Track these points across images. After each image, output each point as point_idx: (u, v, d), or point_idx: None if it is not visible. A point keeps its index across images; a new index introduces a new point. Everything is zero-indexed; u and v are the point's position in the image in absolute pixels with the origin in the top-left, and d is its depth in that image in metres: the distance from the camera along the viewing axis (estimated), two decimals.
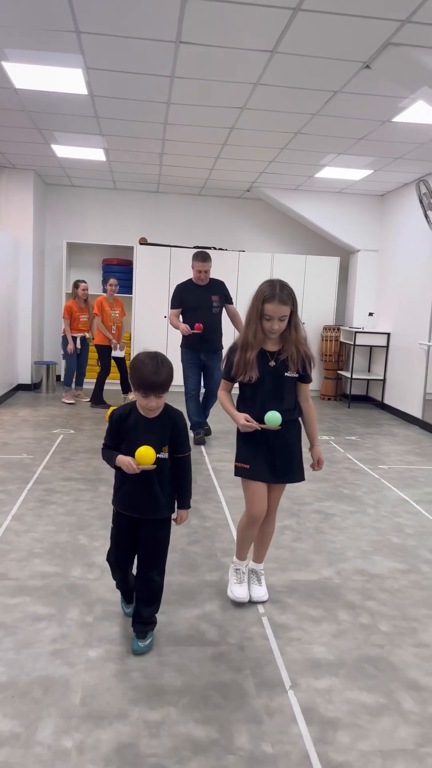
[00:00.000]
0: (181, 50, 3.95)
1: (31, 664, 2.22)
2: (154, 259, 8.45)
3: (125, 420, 2.27)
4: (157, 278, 8.38)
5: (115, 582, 2.54)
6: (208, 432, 5.76)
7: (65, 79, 4.54)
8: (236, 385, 2.67)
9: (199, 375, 5.64)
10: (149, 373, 2.13)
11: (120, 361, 7.46)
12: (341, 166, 6.86)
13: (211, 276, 5.56)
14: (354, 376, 8.37)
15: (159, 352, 2.20)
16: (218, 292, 5.56)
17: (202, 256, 5.44)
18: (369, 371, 8.77)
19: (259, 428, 2.49)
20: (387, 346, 8.14)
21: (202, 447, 5.50)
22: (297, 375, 2.59)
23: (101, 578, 2.89)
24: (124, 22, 3.60)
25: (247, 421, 2.49)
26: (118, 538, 2.39)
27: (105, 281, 7.77)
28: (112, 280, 7.34)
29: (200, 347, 5.51)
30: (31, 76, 4.51)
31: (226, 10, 3.39)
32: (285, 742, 1.89)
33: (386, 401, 8.15)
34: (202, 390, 5.77)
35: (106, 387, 7.43)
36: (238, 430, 2.61)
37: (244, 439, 2.63)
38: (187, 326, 5.37)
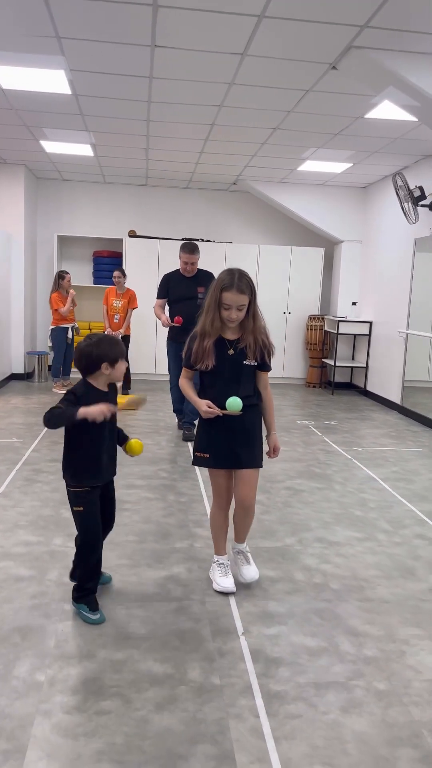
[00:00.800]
0: (157, 53, 4.17)
1: (12, 616, 2.48)
2: (143, 251, 8.67)
3: (83, 398, 2.40)
4: (147, 270, 8.61)
5: (90, 583, 2.51)
6: (193, 435, 5.49)
7: (49, 79, 4.75)
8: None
9: (180, 367, 5.76)
10: (114, 344, 2.45)
11: None
12: (322, 159, 7.08)
13: (199, 267, 5.50)
14: (338, 364, 8.62)
15: (93, 332, 2.51)
16: (205, 283, 5.25)
17: (189, 248, 5.36)
18: (353, 359, 9.01)
19: (221, 414, 2.54)
20: (369, 335, 8.39)
21: (184, 431, 5.65)
22: (256, 363, 2.64)
23: None
24: (101, 28, 3.82)
25: (209, 408, 2.55)
26: (94, 515, 2.48)
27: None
28: (115, 273, 7.53)
29: (183, 338, 5.60)
30: (17, 77, 4.72)
31: (194, 17, 3.61)
32: (232, 676, 2.15)
33: (369, 388, 8.41)
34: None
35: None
36: (200, 417, 2.67)
37: (205, 426, 2.68)
38: (168, 318, 5.41)
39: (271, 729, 1.90)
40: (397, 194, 6.73)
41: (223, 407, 2.54)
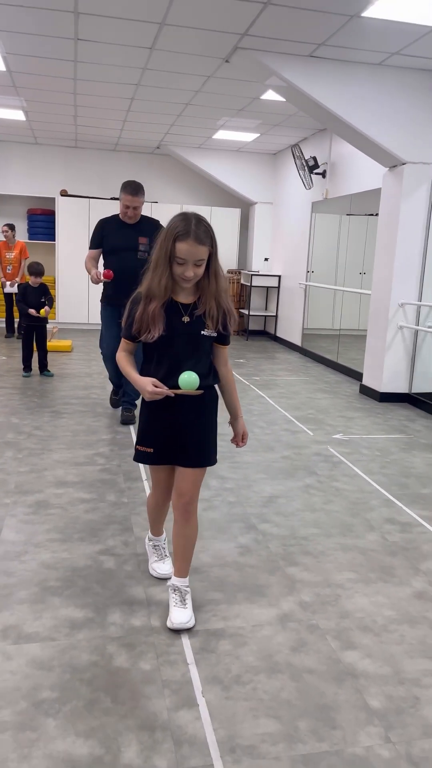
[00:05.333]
0: (80, 45, 5.02)
1: None
2: (74, 209, 9.45)
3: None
4: (77, 227, 9.41)
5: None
6: (132, 418, 4.69)
7: None
8: None
9: (115, 337, 4.51)
10: None
11: (9, 298, 8.44)
12: (233, 129, 8.04)
13: (142, 214, 4.58)
14: (252, 313, 9.79)
15: None
16: (148, 233, 4.43)
17: (132, 188, 4.39)
18: (265, 309, 10.20)
19: (172, 394, 2.02)
20: (278, 287, 9.57)
21: (131, 427, 4.62)
22: (215, 334, 2.12)
23: (29, 439, 4.18)
24: (28, 20, 4.63)
25: (156, 387, 2.01)
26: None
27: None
28: (2, 227, 8.35)
29: (121, 299, 4.48)
30: None
31: (109, 22, 4.49)
32: (137, 503, 3.27)
33: (278, 334, 9.63)
34: None
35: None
36: (142, 401, 2.18)
37: (148, 413, 2.19)
38: (98, 272, 4.47)
39: None
40: (295, 163, 7.81)
41: (173, 387, 2.03)
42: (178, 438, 2.16)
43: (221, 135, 8.37)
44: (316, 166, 7.65)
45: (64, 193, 9.60)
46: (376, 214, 6.08)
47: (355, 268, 7.41)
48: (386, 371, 5.86)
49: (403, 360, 5.87)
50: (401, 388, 5.90)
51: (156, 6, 4.19)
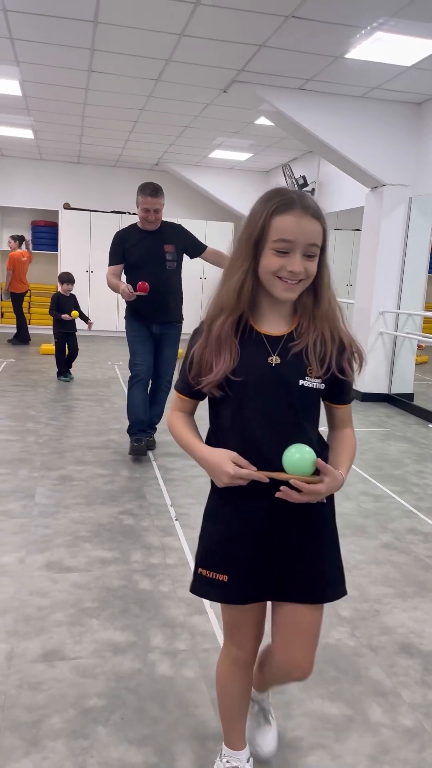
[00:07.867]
0: (92, 76, 5.58)
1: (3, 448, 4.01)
2: (76, 222, 9.99)
3: None
4: (79, 238, 9.95)
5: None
6: (151, 445, 4.25)
7: (3, 85, 6.05)
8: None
9: (150, 352, 4.12)
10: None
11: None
12: (228, 149, 8.63)
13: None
14: None
15: None
16: (173, 239, 4.15)
17: (152, 189, 4.03)
18: None
19: (266, 480, 1.23)
20: None
21: (132, 441, 4.12)
22: (323, 386, 1.31)
23: (47, 428, 4.67)
24: (47, 54, 5.18)
25: (238, 465, 1.25)
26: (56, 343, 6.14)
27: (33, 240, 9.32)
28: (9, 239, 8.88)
29: (152, 316, 4.05)
30: None
31: (119, 58, 5.06)
32: (149, 478, 3.77)
33: None
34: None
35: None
36: (212, 489, 1.39)
37: (218, 511, 1.39)
38: (129, 287, 3.90)
39: (166, 489, 3.55)
40: (286, 181, 8.40)
41: (267, 467, 1.26)
42: (274, 558, 1.35)
43: (217, 154, 8.95)
44: (305, 184, 8.23)
45: (66, 206, 10.13)
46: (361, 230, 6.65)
47: (342, 280, 7.97)
48: (368, 373, 6.40)
49: (383, 363, 6.42)
50: (381, 389, 6.44)
51: (164, 45, 4.75)
